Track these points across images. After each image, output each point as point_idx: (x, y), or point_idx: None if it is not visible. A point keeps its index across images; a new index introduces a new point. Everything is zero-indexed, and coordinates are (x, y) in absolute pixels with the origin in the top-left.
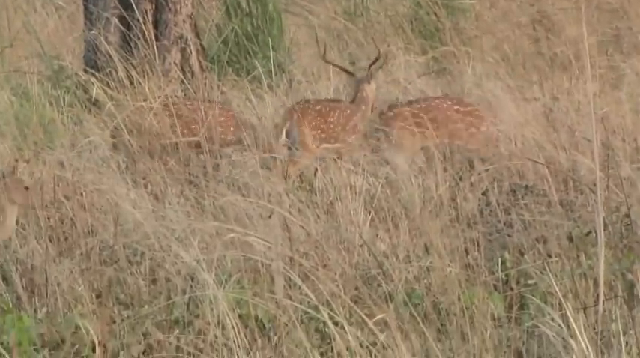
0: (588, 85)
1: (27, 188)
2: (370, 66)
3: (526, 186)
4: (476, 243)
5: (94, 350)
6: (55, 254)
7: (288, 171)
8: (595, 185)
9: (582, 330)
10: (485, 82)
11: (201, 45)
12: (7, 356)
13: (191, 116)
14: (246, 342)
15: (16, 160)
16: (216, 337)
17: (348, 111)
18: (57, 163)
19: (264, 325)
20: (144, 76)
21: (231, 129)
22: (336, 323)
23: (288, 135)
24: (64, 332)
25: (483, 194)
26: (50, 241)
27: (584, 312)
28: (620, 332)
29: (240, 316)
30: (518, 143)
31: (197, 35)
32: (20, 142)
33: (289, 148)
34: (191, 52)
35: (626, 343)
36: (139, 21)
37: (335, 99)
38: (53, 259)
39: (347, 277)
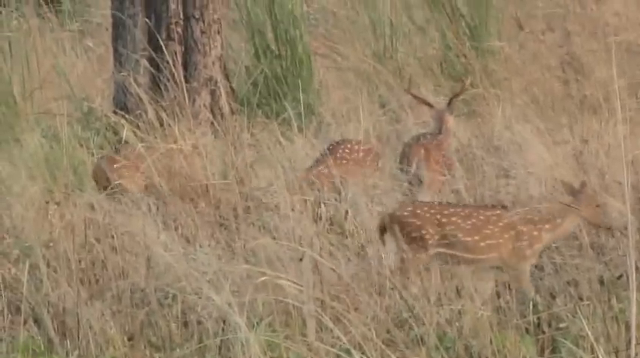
0: (618, 127)
1: (598, 206)
2: (452, 98)
3: None
4: (507, 286)
5: None
6: (87, 296)
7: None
8: (626, 228)
9: None
10: (515, 125)
11: (230, 87)
12: None
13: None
14: None
15: (47, 202)
16: None
17: (443, 144)
18: (87, 205)
19: None
20: (174, 118)
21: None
22: None
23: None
24: None
25: None
26: (81, 284)
27: (617, 356)
28: None
29: None
30: (548, 186)
31: (227, 77)
32: (50, 184)
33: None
34: (221, 94)
35: None
36: (168, 62)
37: (433, 133)
38: (85, 302)
39: (378, 320)
